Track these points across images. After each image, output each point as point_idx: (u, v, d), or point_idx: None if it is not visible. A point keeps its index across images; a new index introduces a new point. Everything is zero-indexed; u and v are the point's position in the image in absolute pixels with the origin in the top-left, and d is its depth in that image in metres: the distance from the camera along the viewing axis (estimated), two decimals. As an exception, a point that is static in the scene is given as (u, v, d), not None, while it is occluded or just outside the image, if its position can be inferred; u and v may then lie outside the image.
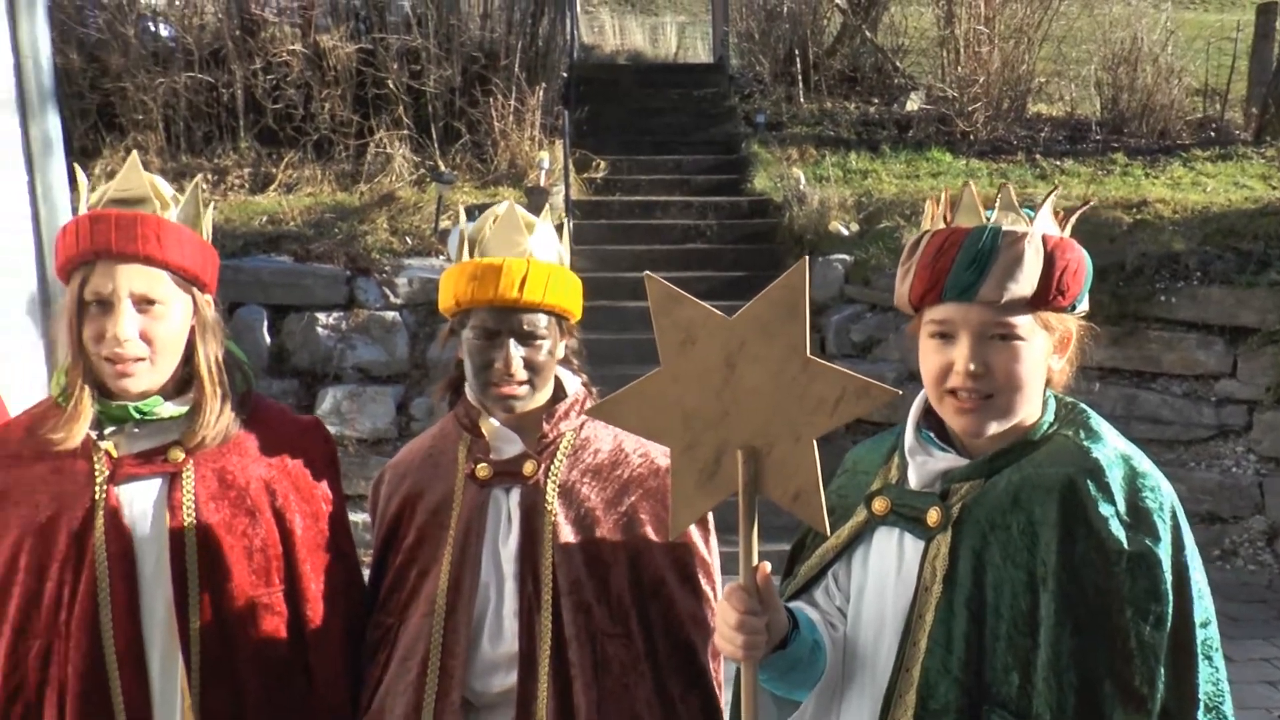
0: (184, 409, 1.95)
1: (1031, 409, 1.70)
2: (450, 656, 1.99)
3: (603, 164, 9.91)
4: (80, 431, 1.89)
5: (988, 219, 1.67)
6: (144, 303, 1.87)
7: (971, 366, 1.63)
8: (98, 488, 1.90)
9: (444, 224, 8.23)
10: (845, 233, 8.61)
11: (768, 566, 1.63)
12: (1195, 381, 7.55)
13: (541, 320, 2.02)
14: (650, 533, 2.07)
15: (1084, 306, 1.73)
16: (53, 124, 4.52)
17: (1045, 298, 1.65)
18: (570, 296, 2.07)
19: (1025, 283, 1.63)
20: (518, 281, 1.97)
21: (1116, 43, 10.93)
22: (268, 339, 7.61)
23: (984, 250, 1.62)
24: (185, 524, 1.92)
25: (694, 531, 2.09)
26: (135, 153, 2.01)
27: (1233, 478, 7.31)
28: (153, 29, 9.87)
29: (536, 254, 2.02)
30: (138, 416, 1.92)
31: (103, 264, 1.85)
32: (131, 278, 1.85)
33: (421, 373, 7.66)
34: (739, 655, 1.63)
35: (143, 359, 1.88)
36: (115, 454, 1.93)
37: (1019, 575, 1.61)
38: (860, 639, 1.79)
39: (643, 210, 9.45)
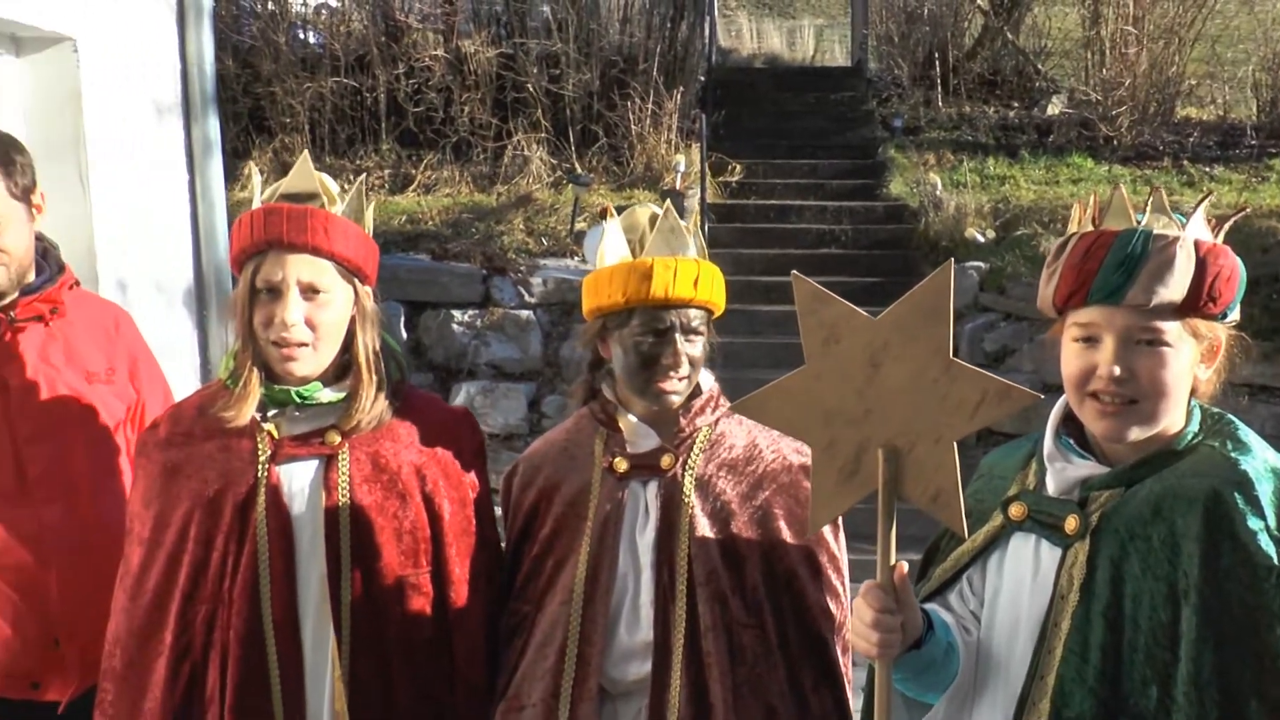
0: (342, 395, 2.04)
1: (1175, 418, 1.67)
2: (588, 644, 2.04)
3: (738, 167, 9.90)
4: (248, 411, 1.99)
5: (1138, 222, 1.64)
6: (310, 291, 1.97)
7: (1116, 370, 1.61)
8: (260, 466, 2.00)
9: (580, 225, 8.34)
10: (981, 240, 8.47)
11: (905, 565, 1.64)
12: (1355, 402, 7.21)
13: (701, 316, 2.08)
14: (783, 526, 2.10)
15: (1235, 316, 1.69)
16: (212, 127, 4.72)
17: (1195, 304, 1.61)
18: (722, 293, 2.13)
19: (1175, 287, 1.60)
20: (693, 279, 2.03)
21: (1278, 41, 10.48)
22: (404, 335, 7.81)
23: (1133, 253, 1.60)
24: (339, 504, 2.01)
25: (824, 527, 2.10)
26: (306, 152, 2.13)
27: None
28: (302, 36, 10.26)
29: (692, 253, 2.09)
30: (299, 400, 2.02)
31: (274, 253, 1.95)
32: (300, 267, 1.96)
33: (554, 371, 7.77)
34: (874, 653, 1.64)
35: (306, 344, 1.97)
36: (277, 435, 2.03)
37: (1159, 587, 1.58)
38: (994, 644, 1.77)
39: (778, 214, 9.41)
